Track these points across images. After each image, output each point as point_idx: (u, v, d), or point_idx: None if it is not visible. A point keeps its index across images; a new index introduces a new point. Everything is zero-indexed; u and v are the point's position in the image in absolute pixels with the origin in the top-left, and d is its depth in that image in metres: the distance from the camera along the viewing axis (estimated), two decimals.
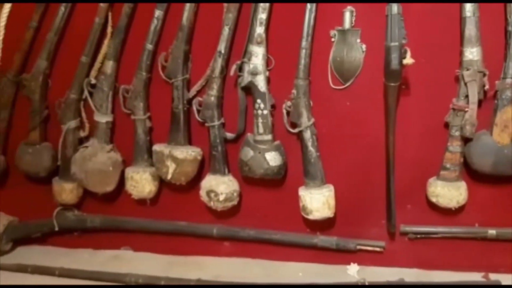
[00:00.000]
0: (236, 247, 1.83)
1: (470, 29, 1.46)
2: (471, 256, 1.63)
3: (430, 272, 1.66)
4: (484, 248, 1.62)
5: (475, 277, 1.60)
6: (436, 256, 1.66)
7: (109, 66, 1.77)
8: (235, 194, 1.71)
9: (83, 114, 1.83)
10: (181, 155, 1.69)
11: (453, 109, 1.51)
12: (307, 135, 1.63)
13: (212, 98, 1.68)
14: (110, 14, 1.76)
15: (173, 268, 1.79)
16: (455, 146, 1.53)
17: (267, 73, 1.64)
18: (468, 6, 1.45)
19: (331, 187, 1.64)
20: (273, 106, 1.66)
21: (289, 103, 1.63)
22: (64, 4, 1.77)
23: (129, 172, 1.77)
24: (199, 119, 1.71)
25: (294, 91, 1.62)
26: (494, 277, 1.58)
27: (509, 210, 1.59)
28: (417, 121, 1.61)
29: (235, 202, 1.73)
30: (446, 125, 1.55)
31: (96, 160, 1.76)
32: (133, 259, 1.88)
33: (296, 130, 1.63)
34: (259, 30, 1.60)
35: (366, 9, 1.57)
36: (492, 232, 1.58)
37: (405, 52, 1.42)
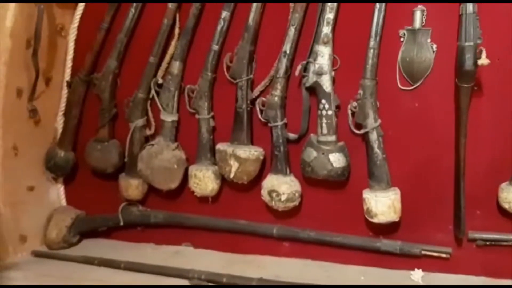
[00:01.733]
0: (295, 247, 1.82)
1: None
2: None
3: (498, 281, 1.59)
4: None
5: None
6: (505, 265, 1.58)
7: (176, 66, 1.81)
8: (296, 194, 1.71)
9: (150, 113, 1.89)
10: (244, 155, 1.71)
11: None
12: (373, 136, 1.60)
13: (276, 98, 1.69)
14: (178, 15, 1.81)
15: (233, 266, 1.79)
16: None
17: (333, 73, 1.63)
18: None
19: (397, 190, 1.61)
20: (337, 107, 1.65)
21: (354, 103, 1.61)
22: (134, 5, 1.84)
23: (193, 170, 1.81)
24: (262, 119, 1.72)
25: (360, 91, 1.60)
26: None
27: None
28: (490, 124, 1.55)
29: (296, 203, 1.73)
30: None
31: (162, 157, 1.81)
32: (194, 255, 1.91)
33: (361, 132, 1.61)
34: (326, 29, 1.60)
35: (437, 8, 1.53)
36: None
37: (481, 52, 1.38)
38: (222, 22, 1.72)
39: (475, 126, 1.54)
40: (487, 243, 1.60)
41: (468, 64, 1.39)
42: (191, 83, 1.81)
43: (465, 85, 1.43)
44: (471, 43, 1.38)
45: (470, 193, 1.58)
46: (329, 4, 1.58)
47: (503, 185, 1.53)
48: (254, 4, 1.69)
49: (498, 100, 1.53)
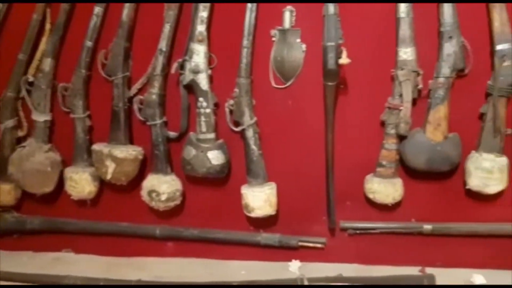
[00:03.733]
0: (179, 247, 1.82)
1: (404, 30, 1.51)
2: (408, 250, 1.68)
3: (369, 267, 1.70)
4: (421, 242, 1.67)
5: (412, 271, 1.65)
6: (374, 251, 1.70)
7: (47, 63, 1.72)
8: (177, 193, 1.70)
9: (21, 113, 1.78)
10: (121, 155, 1.66)
11: (389, 107, 1.55)
12: (250, 133, 1.64)
13: (154, 96, 1.66)
14: (48, 10, 1.71)
15: (115, 269, 1.75)
16: (390, 143, 1.57)
17: (209, 71, 1.64)
18: (403, 7, 1.50)
19: (273, 185, 1.66)
20: (216, 105, 1.66)
21: (231, 101, 1.64)
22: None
23: (68, 172, 1.73)
24: (141, 118, 1.69)
25: (236, 89, 1.63)
26: (430, 271, 1.64)
27: (444, 205, 1.65)
28: (356, 120, 1.64)
29: (177, 202, 1.72)
30: (383, 124, 1.59)
31: (34, 160, 1.71)
32: (75, 262, 1.83)
33: (238, 129, 1.64)
34: (200, 28, 1.60)
35: (306, 9, 1.59)
36: (427, 227, 1.64)
37: (341, 52, 1.46)
38: (95, 18, 1.66)
39: (342, 122, 1.63)
40: (357, 231, 1.70)
41: (331, 63, 1.46)
42: (65, 81, 1.73)
43: (330, 84, 1.51)
44: (333, 43, 1.45)
45: (340, 185, 1.67)
46: (202, 3, 1.59)
47: (368, 177, 1.63)
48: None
49: (362, 98, 1.62)
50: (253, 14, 1.58)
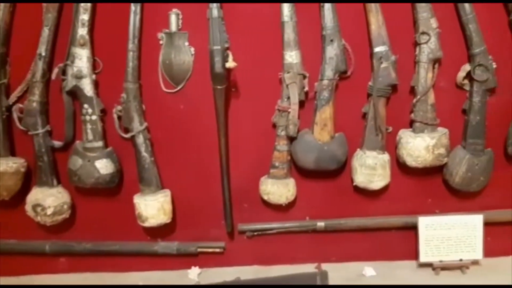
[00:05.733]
0: (73, 262, 1.72)
1: (289, 34, 1.54)
2: (304, 248, 1.72)
3: (268, 268, 1.72)
4: (315, 239, 1.72)
5: (309, 268, 1.69)
6: (272, 251, 1.73)
7: None
8: (65, 206, 1.61)
9: None
10: (0, 168, 1.55)
11: (278, 110, 1.58)
12: (140, 140, 1.59)
13: (34, 104, 1.56)
14: None
15: None
16: (282, 145, 1.60)
17: (94, 76, 1.56)
18: (286, 11, 1.53)
19: (167, 192, 1.62)
20: (103, 111, 1.59)
21: (119, 107, 1.58)
22: None
23: None
24: (21, 127, 1.58)
25: (124, 95, 1.57)
26: (326, 266, 1.69)
27: (335, 202, 1.70)
28: (249, 123, 1.65)
29: (66, 215, 1.63)
30: (274, 126, 1.61)
31: None
32: None
33: (128, 135, 1.59)
34: (82, 31, 1.52)
35: (192, 12, 1.56)
36: (320, 224, 1.69)
37: (227, 55, 1.46)
38: None
39: (235, 125, 1.63)
40: (255, 233, 1.71)
41: (217, 67, 1.46)
42: None
43: (219, 87, 1.50)
44: (219, 47, 1.45)
45: (237, 188, 1.68)
46: (82, 4, 1.51)
47: (262, 179, 1.65)
48: (2, 3, 1.53)
49: (254, 100, 1.63)
50: (138, 17, 1.53)
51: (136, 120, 1.57)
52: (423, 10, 1.51)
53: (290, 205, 1.67)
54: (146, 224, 1.59)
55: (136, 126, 1.57)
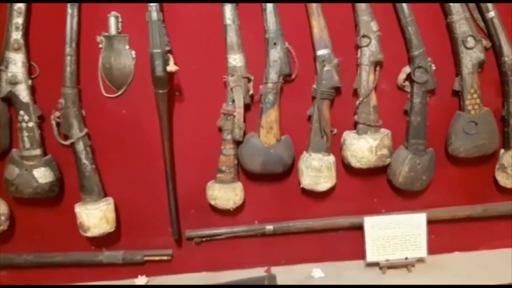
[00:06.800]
0: (14, 275, 1.65)
1: (232, 37, 1.52)
2: (254, 252, 1.71)
3: (216, 274, 1.69)
4: (265, 243, 1.70)
5: (259, 272, 1.68)
6: (222, 257, 1.70)
7: None
8: (2, 218, 1.54)
9: None
10: None
11: (223, 113, 1.56)
12: (80, 147, 1.54)
13: None
14: None
15: None
16: (228, 149, 1.58)
17: (30, 81, 1.50)
18: (228, 14, 1.51)
19: (110, 200, 1.58)
20: (40, 118, 1.53)
21: (58, 113, 1.52)
22: None
23: None
24: None
25: (62, 100, 1.52)
26: (275, 270, 1.69)
27: (283, 205, 1.70)
28: (194, 127, 1.62)
29: (4, 227, 1.56)
30: (220, 129, 1.59)
31: None
32: None
33: (67, 143, 1.53)
34: (16, 35, 1.46)
35: (132, 14, 1.53)
36: (269, 227, 1.68)
37: (168, 59, 1.43)
38: None
39: (180, 130, 1.61)
40: (204, 239, 1.69)
41: (158, 70, 1.43)
42: None
43: (160, 91, 1.47)
44: (159, 50, 1.42)
45: (184, 194, 1.65)
46: (15, 7, 1.44)
47: (209, 184, 1.62)
48: None
49: (200, 104, 1.61)
50: (75, 20, 1.48)
51: (76, 126, 1.52)
52: (364, 14, 1.53)
53: (238, 209, 1.66)
54: (89, 234, 1.54)
55: (75, 132, 1.52)
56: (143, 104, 1.58)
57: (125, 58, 1.54)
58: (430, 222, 1.65)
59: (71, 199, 1.60)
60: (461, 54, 1.56)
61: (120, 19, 1.53)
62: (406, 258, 1.64)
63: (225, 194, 1.59)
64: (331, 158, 1.60)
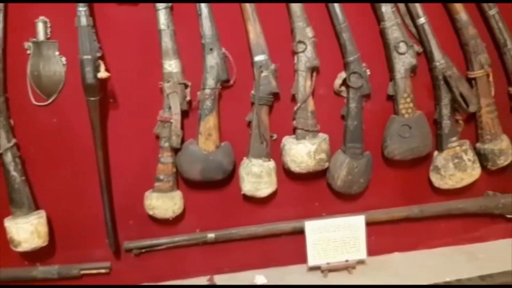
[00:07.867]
0: None
1: (166, 42, 1.50)
2: (196, 261, 1.68)
3: (158, 285, 1.65)
4: (207, 251, 1.68)
5: (201, 281, 1.66)
6: (163, 268, 1.67)
7: None
8: None
9: None
10: None
11: (160, 120, 1.53)
12: (8, 158, 1.46)
13: None
14: None
15: None
16: (166, 157, 1.55)
17: None
18: (162, 19, 1.48)
19: (42, 213, 1.51)
20: None
21: None
22: None
23: None
24: None
25: None
26: (218, 278, 1.67)
27: (225, 212, 1.68)
28: (130, 135, 1.58)
29: None
30: (158, 137, 1.56)
31: None
32: None
33: None
34: None
35: (62, 19, 1.47)
36: (211, 235, 1.65)
37: (99, 65, 1.39)
38: None
39: (116, 138, 1.56)
40: (143, 250, 1.64)
41: (89, 77, 1.38)
42: None
43: (92, 98, 1.42)
44: (89, 56, 1.37)
45: (121, 204, 1.60)
46: None
47: (147, 193, 1.58)
48: None
49: (135, 112, 1.57)
50: (1, 25, 1.41)
51: (3, 136, 1.45)
52: (299, 20, 1.54)
53: (179, 218, 1.63)
54: (20, 249, 1.47)
55: (3, 143, 1.45)
56: (75, 112, 1.53)
57: (55, 64, 1.48)
58: (369, 224, 1.68)
59: (0, 213, 1.51)
60: (394, 59, 1.60)
61: (49, 24, 1.46)
62: (347, 261, 1.66)
63: (164, 203, 1.56)
64: (271, 164, 1.59)
